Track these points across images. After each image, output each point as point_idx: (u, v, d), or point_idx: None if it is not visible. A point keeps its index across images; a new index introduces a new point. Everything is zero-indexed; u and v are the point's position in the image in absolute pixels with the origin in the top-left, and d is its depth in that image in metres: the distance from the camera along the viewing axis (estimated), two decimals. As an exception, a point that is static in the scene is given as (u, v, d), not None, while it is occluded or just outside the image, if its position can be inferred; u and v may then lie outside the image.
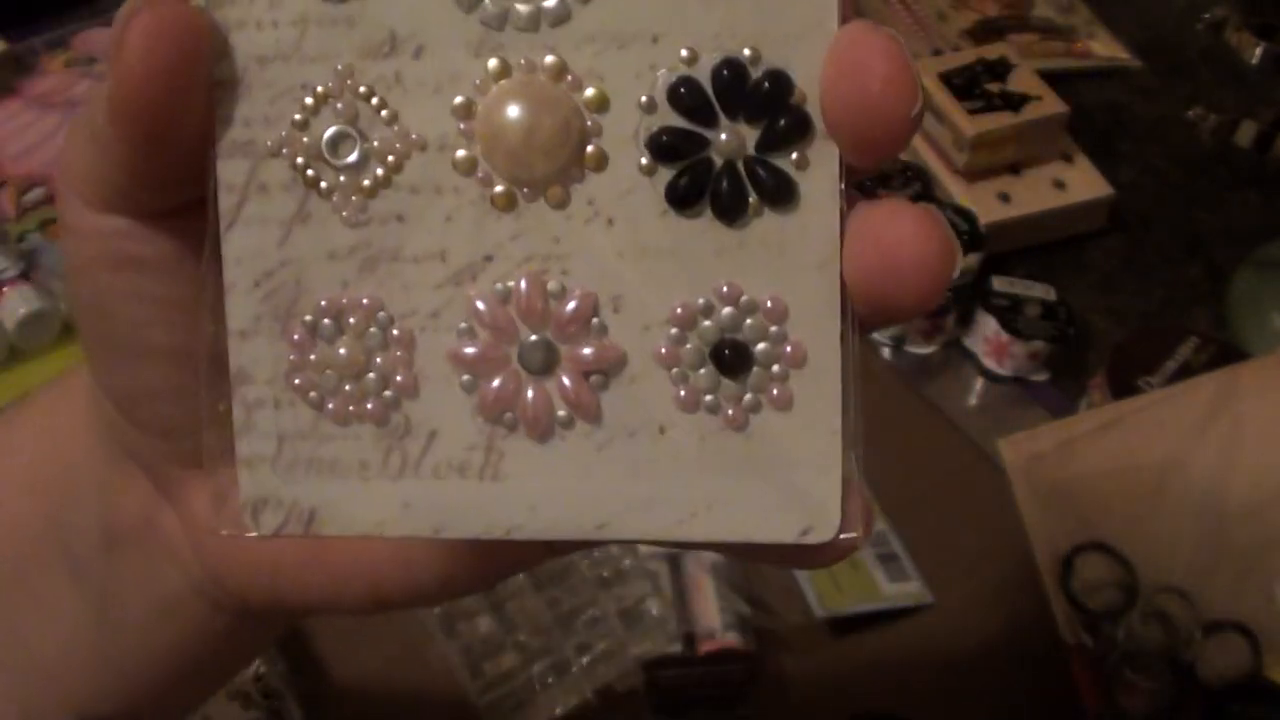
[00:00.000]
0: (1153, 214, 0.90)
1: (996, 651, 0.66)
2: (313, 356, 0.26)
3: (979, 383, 0.79)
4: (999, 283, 0.79)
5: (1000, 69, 0.87)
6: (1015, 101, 0.84)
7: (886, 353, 0.79)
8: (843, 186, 0.25)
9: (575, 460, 0.26)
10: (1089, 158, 0.87)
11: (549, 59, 0.25)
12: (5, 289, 0.74)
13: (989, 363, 0.79)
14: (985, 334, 0.78)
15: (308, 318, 0.26)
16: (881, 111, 0.23)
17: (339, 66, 0.25)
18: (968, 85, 0.85)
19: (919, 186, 0.84)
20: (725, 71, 0.24)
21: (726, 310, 0.25)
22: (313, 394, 0.26)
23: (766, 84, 0.24)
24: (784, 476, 0.26)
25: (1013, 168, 0.86)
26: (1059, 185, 0.86)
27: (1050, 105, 0.85)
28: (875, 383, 0.77)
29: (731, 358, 0.25)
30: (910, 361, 0.79)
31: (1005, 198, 0.84)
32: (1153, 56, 1.01)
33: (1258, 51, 1.00)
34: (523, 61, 0.25)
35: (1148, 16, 1.06)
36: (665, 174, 0.25)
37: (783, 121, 0.24)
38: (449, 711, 0.61)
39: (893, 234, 0.24)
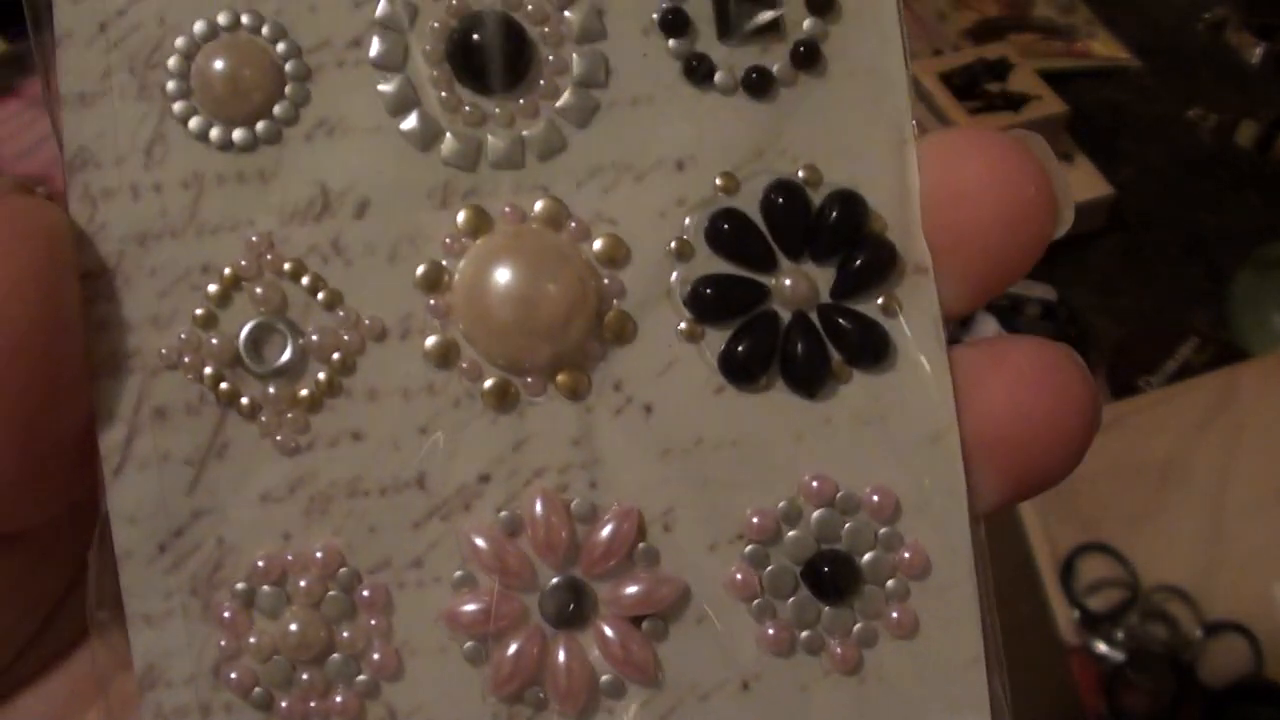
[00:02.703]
0: (1153, 214, 0.90)
1: (996, 651, 0.66)
2: (252, 640, 0.19)
3: (979, 383, 0.79)
4: (999, 283, 0.79)
5: (1000, 69, 0.87)
6: (1015, 101, 0.84)
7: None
8: (945, 331, 0.19)
9: None
10: (1089, 158, 0.87)
11: (541, 202, 0.19)
12: None
13: (989, 363, 0.78)
14: (985, 334, 0.78)
15: (239, 586, 0.19)
16: (1017, 234, 0.18)
17: (253, 237, 0.18)
18: (968, 85, 0.85)
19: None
20: (778, 198, 0.18)
21: (818, 513, 0.19)
22: (257, 691, 0.19)
23: (835, 210, 0.18)
24: None
25: (1013, 168, 0.86)
26: (1059, 185, 0.86)
27: (1050, 105, 0.85)
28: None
29: (832, 576, 0.19)
30: (910, 361, 0.79)
31: (1005, 198, 0.84)
32: (1153, 56, 1.01)
33: (1258, 51, 1.00)
34: (507, 209, 0.18)
35: (1148, 16, 1.06)
36: (716, 338, 0.19)
37: (862, 257, 0.19)
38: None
39: (1028, 372, 0.18)
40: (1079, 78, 0.97)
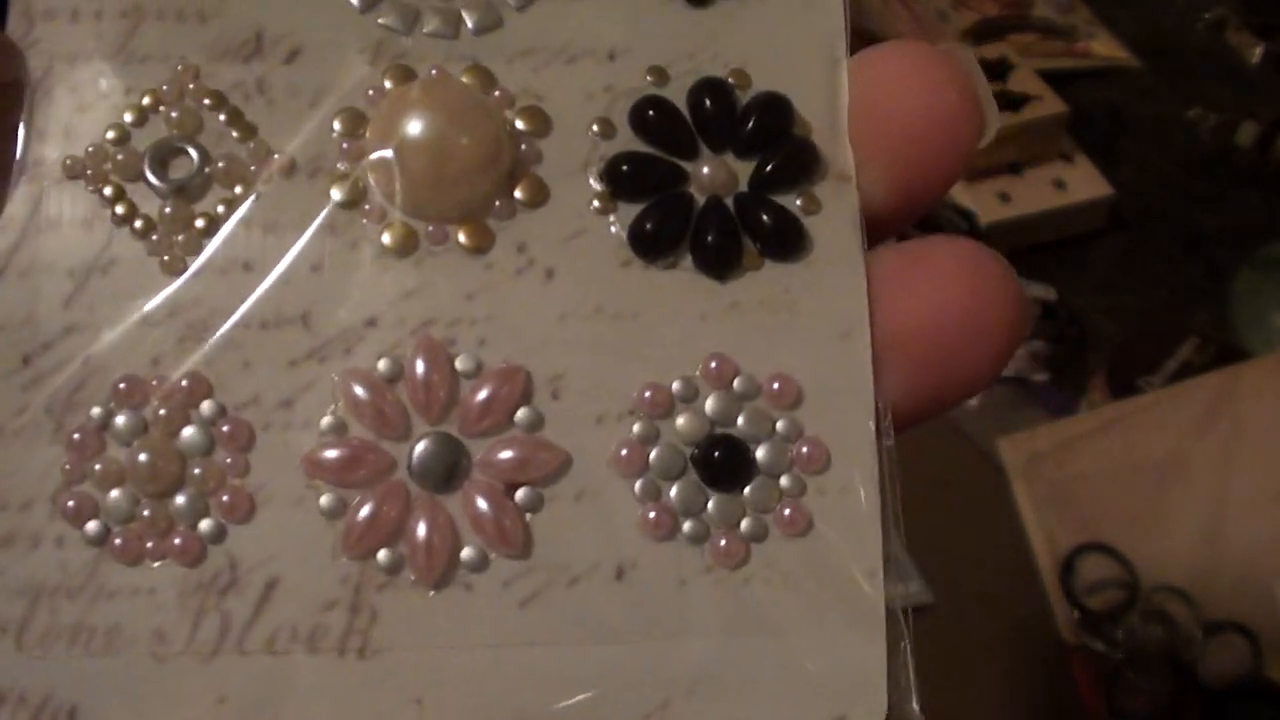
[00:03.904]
0: (1153, 214, 0.90)
1: (996, 651, 0.66)
2: (98, 466, 0.17)
3: (979, 383, 0.79)
4: (999, 283, 0.79)
5: (1000, 69, 0.87)
6: (1015, 101, 0.84)
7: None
8: (864, 237, 0.19)
9: (486, 622, 0.17)
10: (1089, 158, 0.87)
11: (469, 70, 0.19)
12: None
13: (989, 363, 0.79)
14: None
15: (95, 410, 0.17)
16: (941, 138, 0.18)
17: (179, 68, 0.18)
18: (968, 85, 0.85)
19: (919, 186, 0.84)
20: (705, 94, 0.19)
21: (714, 395, 0.18)
22: (92, 523, 0.17)
23: (761, 109, 0.19)
24: (803, 638, 0.17)
25: (1013, 168, 0.86)
26: (1059, 185, 0.86)
27: (1050, 105, 0.85)
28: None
29: (723, 462, 0.18)
30: (910, 361, 0.79)
31: (1005, 198, 0.84)
32: (1153, 56, 1.01)
33: (1258, 51, 1.00)
34: (434, 71, 0.19)
35: (1148, 16, 1.06)
36: (628, 213, 0.18)
37: (784, 154, 0.18)
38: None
39: (947, 272, 0.18)
40: (1079, 78, 0.97)
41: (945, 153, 0.18)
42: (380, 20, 0.19)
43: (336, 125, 0.18)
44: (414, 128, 0.18)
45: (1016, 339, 0.18)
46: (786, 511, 0.18)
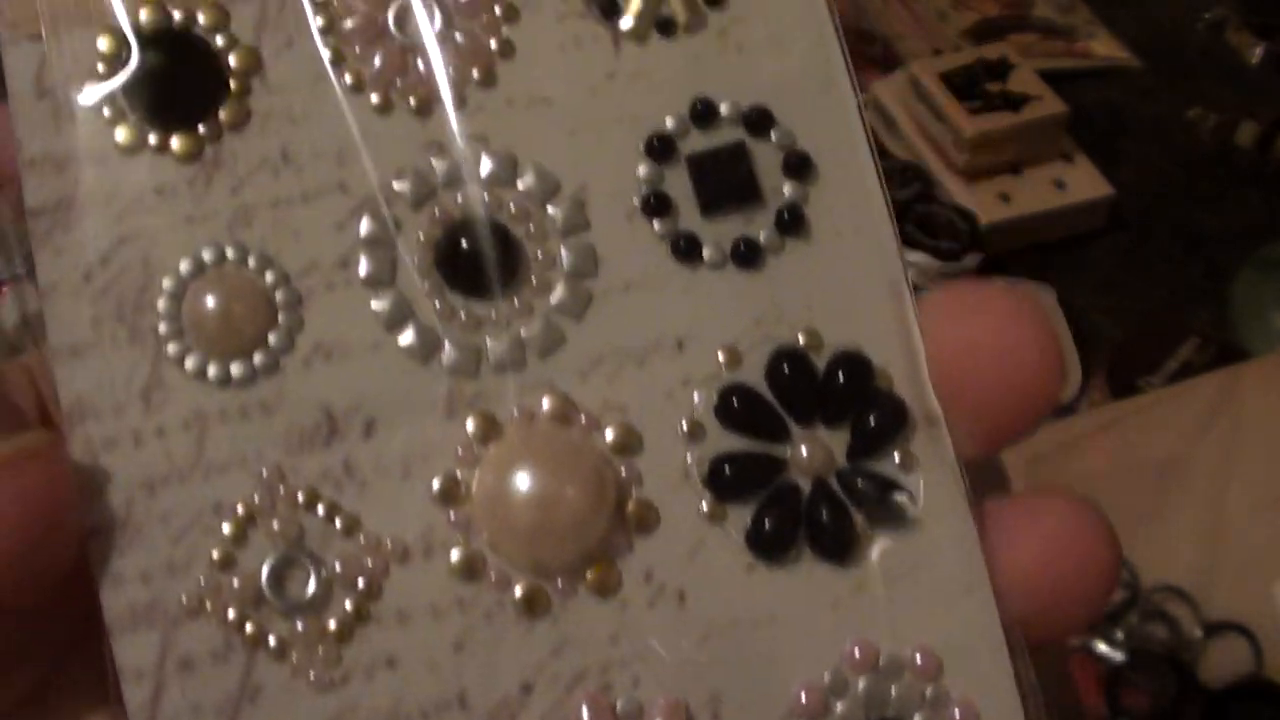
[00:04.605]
0: (1153, 214, 0.90)
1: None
2: None
3: (979, 383, 0.79)
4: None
5: (1000, 69, 0.87)
6: (1015, 101, 0.84)
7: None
8: (967, 483, 0.19)
9: None
10: (1089, 158, 0.87)
11: (548, 400, 0.19)
12: (5, 289, 0.74)
13: (989, 363, 0.79)
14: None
15: None
16: (1023, 399, 0.18)
17: (263, 471, 0.18)
18: (968, 85, 0.85)
19: (919, 187, 0.84)
20: (783, 366, 0.19)
21: (864, 681, 0.18)
22: None
23: (840, 372, 0.19)
24: None
25: (1013, 168, 0.86)
26: (1059, 185, 0.86)
27: (1050, 105, 0.85)
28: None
29: None
30: (910, 361, 0.79)
31: (1005, 198, 0.84)
32: (1153, 56, 1.01)
33: (1258, 51, 1.00)
34: (515, 412, 0.18)
35: (1148, 16, 1.06)
36: (739, 515, 0.18)
37: (874, 416, 0.19)
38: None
39: (1060, 534, 0.19)
40: (1079, 78, 0.97)
41: (1026, 409, 0.18)
42: (445, 364, 0.18)
43: (436, 492, 0.18)
44: (518, 491, 0.18)
45: (1117, 579, 0.19)
46: None
